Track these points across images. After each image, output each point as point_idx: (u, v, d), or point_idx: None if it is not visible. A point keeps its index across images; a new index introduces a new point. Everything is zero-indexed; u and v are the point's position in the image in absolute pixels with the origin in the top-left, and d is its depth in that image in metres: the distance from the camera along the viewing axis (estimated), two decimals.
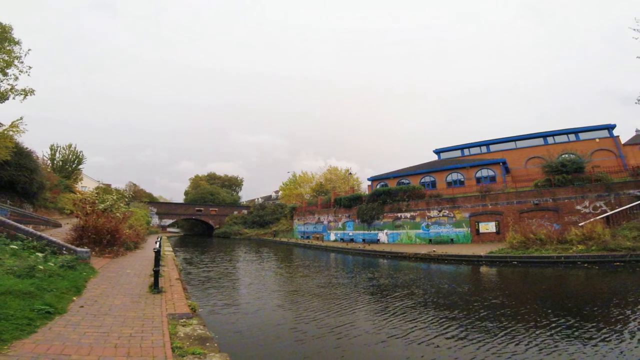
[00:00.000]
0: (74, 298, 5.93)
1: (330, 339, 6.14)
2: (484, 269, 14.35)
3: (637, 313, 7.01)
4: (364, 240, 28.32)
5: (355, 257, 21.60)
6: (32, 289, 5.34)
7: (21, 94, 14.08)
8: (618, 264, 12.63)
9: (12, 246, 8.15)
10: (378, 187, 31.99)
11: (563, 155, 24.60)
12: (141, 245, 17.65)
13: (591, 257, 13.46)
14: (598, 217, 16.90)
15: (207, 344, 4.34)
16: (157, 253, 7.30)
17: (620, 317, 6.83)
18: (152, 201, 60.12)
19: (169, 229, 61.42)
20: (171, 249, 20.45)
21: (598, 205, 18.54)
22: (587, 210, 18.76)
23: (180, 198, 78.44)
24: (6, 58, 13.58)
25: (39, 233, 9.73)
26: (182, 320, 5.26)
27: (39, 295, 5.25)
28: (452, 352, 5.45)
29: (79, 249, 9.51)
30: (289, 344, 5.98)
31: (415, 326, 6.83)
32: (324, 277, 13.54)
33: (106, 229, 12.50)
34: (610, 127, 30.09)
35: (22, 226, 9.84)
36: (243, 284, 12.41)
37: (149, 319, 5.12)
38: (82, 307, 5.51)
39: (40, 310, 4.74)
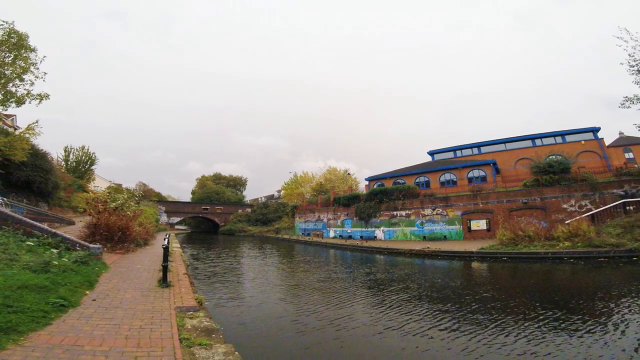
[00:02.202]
0: (87, 292, 5.93)
1: (330, 331, 6.14)
2: (475, 265, 14.35)
3: (621, 306, 7.01)
4: (361, 237, 28.29)
5: (353, 253, 21.59)
6: (47, 283, 5.34)
7: (37, 99, 14.09)
8: (602, 259, 12.63)
9: (28, 243, 8.15)
10: (375, 186, 31.96)
11: (550, 157, 24.62)
12: (150, 242, 17.66)
13: (577, 253, 13.45)
14: (583, 215, 16.91)
15: (213, 335, 4.34)
16: (166, 249, 7.30)
17: (605, 310, 6.83)
18: (161, 200, 60.11)
19: (177, 227, 61.36)
20: (179, 246, 20.45)
21: (583, 204, 18.53)
22: (573, 209, 18.76)
23: (187, 197, 78.40)
24: (23, 64, 13.59)
25: (53, 230, 9.73)
26: (189, 313, 5.26)
27: (54, 289, 5.25)
28: (445, 343, 5.45)
29: (91, 245, 9.50)
30: (291, 335, 5.99)
31: (410, 318, 6.83)
32: (323, 272, 13.54)
33: (117, 226, 12.50)
34: (595, 130, 30.09)
35: (38, 224, 9.84)
36: (247, 279, 12.42)
37: (158, 312, 5.13)
38: (94, 300, 5.51)
39: (54, 303, 4.74)
